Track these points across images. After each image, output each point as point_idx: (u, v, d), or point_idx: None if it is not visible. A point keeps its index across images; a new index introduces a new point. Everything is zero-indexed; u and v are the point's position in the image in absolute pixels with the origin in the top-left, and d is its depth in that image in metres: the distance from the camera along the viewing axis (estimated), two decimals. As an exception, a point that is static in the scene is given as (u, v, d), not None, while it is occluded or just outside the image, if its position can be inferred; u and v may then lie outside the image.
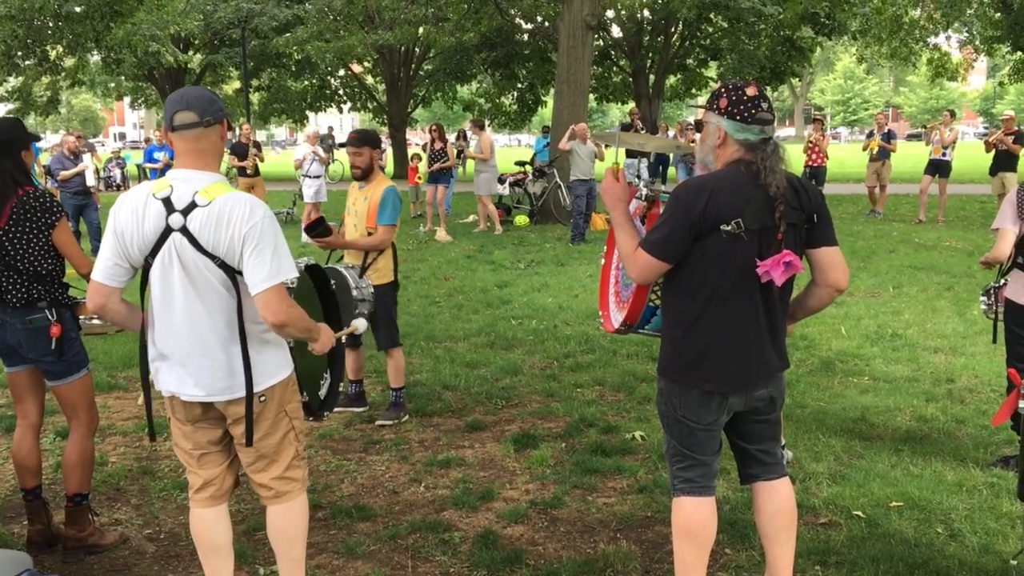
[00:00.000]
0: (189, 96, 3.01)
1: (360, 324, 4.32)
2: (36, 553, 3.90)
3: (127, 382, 6.67)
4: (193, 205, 2.92)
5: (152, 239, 2.95)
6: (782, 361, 3.14)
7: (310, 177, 15.43)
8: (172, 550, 4.03)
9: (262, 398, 3.08)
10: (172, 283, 2.97)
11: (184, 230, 2.92)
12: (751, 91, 3.00)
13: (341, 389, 5.60)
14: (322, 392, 5.40)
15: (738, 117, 2.97)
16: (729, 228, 2.90)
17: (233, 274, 2.96)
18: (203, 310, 2.98)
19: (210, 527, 3.23)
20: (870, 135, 17.33)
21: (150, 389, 3.18)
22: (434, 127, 16.63)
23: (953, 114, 16.68)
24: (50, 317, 3.82)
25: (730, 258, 2.93)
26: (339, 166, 25.26)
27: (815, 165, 16.76)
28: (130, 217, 2.97)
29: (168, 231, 2.94)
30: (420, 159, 18.64)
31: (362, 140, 5.64)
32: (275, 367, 3.13)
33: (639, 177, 16.42)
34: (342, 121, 77.84)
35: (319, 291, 3.99)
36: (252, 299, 2.95)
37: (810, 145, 16.95)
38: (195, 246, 2.92)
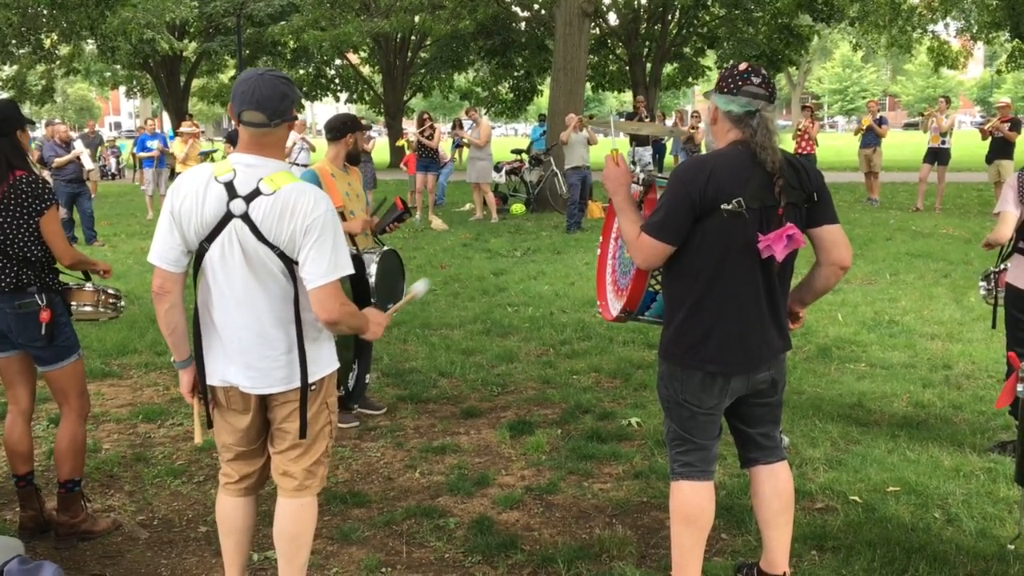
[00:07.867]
0: (260, 94, 2.85)
1: (419, 288, 3.80)
2: (28, 539, 3.89)
3: (121, 369, 6.64)
4: (257, 192, 2.85)
5: (211, 223, 2.87)
6: (784, 341, 3.12)
7: (298, 165, 15.43)
8: (165, 536, 4.01)
9: (312, 387, 3.04)
10: (232, 271, 2.89)
11: (246, 217, 2.85)
12: (742, 66, 3.03)
13: (368, 381, 5.59)
14: (350, 383, 5.39)
15: (725, 90, 3.00)
16: (730, 207, 2.88)
17: (290, 263, 2.89)
18: (263, 299, 2.92)
19: (232, 514, 3.21)
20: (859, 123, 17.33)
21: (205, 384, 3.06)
22: (425, 115, 16.70)
23: (948, 100, 16.62)
24: (40, 302, 3.78)
25: (731, 238, 2.91)
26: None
27: (805, 153, 16.62)
28: (189, 199, 2.88)
29: (228, 216, 2.86)
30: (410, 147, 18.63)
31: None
32: (327, 360, 3.09)
33: (635, 163, 16.36)
34: (338, 111, 77.61)
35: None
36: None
37: (799, 133, 16.84)
38: (256, 234, 2.85)
